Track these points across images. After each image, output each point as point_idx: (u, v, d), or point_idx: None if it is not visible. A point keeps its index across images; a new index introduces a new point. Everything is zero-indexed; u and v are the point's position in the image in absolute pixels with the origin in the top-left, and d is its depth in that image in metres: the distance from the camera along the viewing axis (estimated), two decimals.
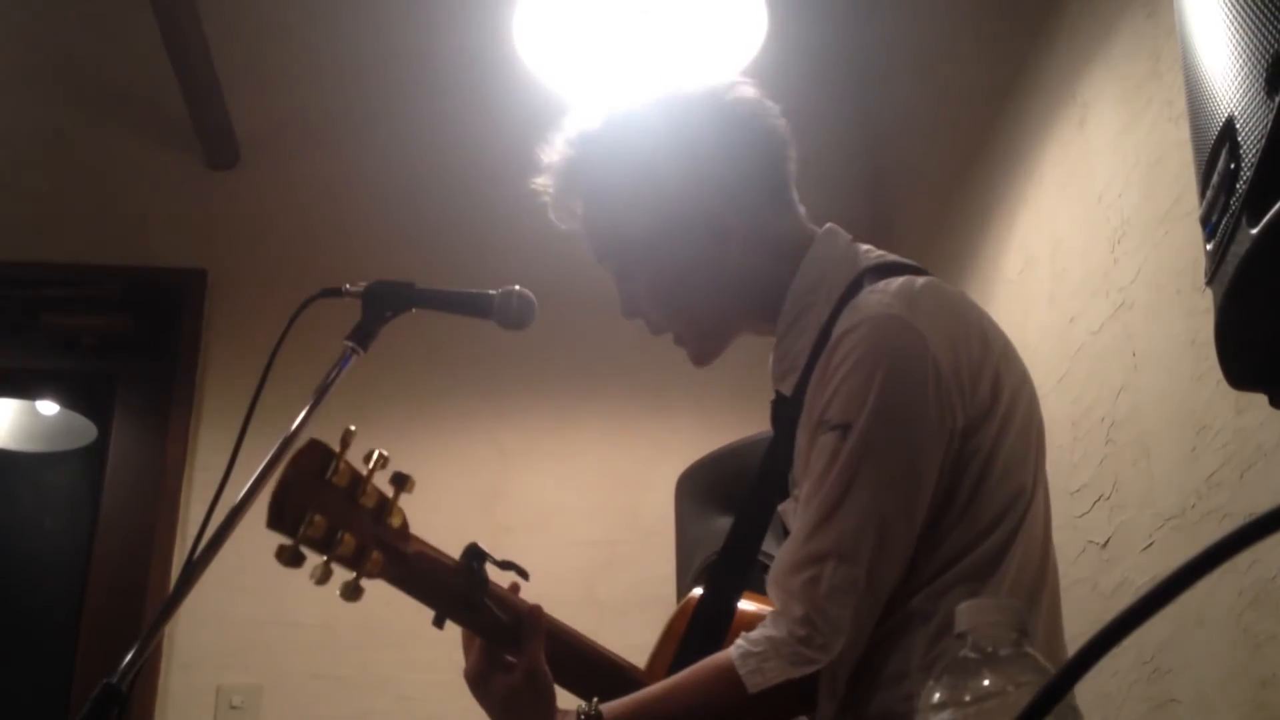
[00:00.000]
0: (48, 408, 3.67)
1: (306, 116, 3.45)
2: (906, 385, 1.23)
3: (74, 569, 3.15)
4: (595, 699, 1.26)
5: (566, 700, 1.30)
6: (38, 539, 3.74)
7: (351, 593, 1.17)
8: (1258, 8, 0.81)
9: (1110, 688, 1.87)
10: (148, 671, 2.79)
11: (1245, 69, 0.82)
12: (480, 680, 1.31)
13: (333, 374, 1.46)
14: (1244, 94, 0.82)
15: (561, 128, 1.48)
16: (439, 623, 1.30)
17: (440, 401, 3.17)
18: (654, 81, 1.52)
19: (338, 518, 1.15)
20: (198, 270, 3.24)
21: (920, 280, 1.31)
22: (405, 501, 1.35)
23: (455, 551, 1.32)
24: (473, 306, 1.62)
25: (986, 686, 0.68)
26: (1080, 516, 2.06)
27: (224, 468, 1.35)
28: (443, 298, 1.61)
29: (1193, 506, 1.71)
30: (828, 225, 1.46)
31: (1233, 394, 1.56)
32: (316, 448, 1.16)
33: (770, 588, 1.28)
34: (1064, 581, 2.09)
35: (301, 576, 1.17)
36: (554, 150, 1.48)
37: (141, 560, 2.94)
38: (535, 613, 1.31)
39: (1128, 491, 1.90)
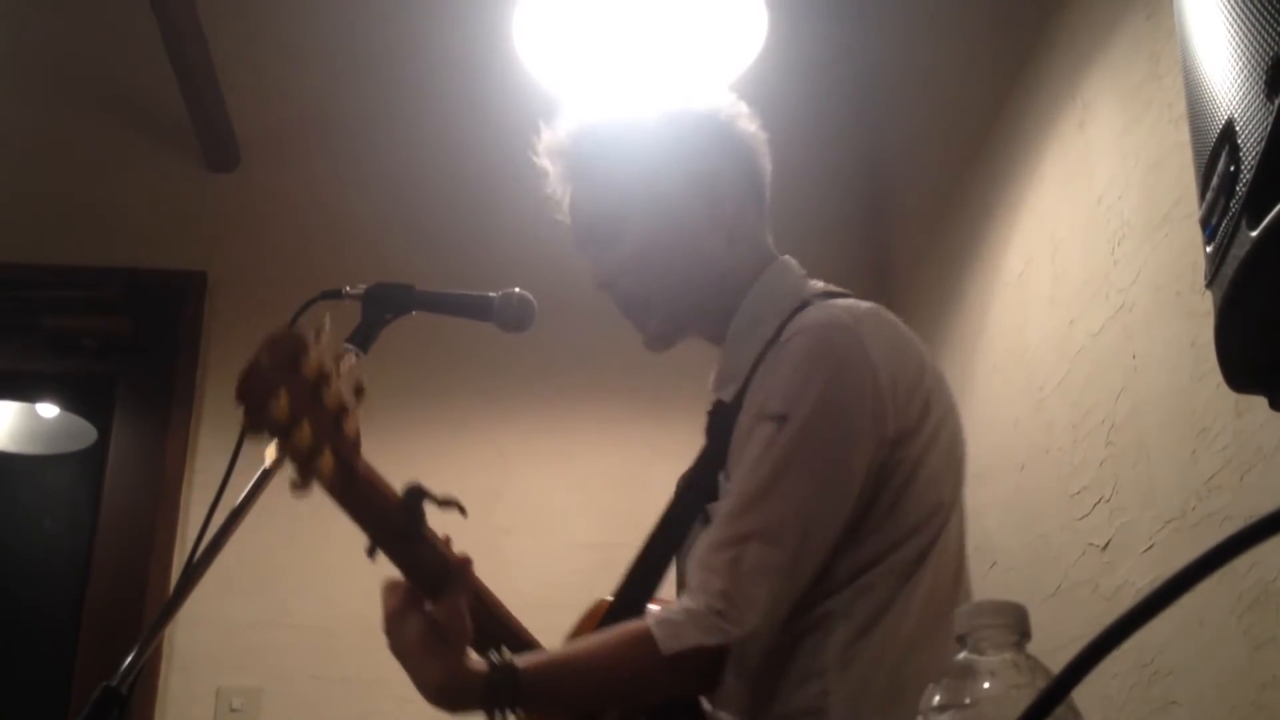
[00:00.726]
0: (48, 410, 3.67)
1: (307, 119, 3.45)
2: (846, 387, 1.31)
3: (74, 571, 3.15)
4: (505, 649, 1.25)
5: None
6: (38, 541, 3.74)
7: (300, 488, 1.14)
8: (1258, 9, 0.81)
9: (1110, 690, 1.87)
10: (147, 674, 2.78)
11: (1245, 71, 0.82)
12: (397, 619, 1.28)
13: None
14: (1244, 96, 0.82)
15: (565, 114, 1.55)
16: (371, 552, 1.26)
17: (439, 403, 3.17)
18: (652, 93, 1.60)
19: (300, 406, 1.13)
20: (198, 272, 3.24)
21: (865, 304, 1.40)
22: None
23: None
24: (473, 309, 1.63)
25: (986, 689, 0.68)
26: (1080, 519, 2.06)
27: (224, 469, 1.35)
28: (443, 300, 1.61)
29: (1193, 509, 1.71)
30: (785, 256, 1.54)
31: (1233, 396, 1.55)
32: (292, 336, 1.14)
33: (692, 567, 1.31)
34: (1064, 584, 2.11)
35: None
36: (559, 125, 1.55)
37: (141, 562, 2.93)
38: (464, 563, 1.29)
39: (1128, 494, 1.90)
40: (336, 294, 1.55)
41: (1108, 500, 1.97)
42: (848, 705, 1.26)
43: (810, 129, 3.46)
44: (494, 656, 1.23)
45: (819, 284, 1.50)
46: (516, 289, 1.65)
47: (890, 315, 1.41)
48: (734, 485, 1.33)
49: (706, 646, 1.23)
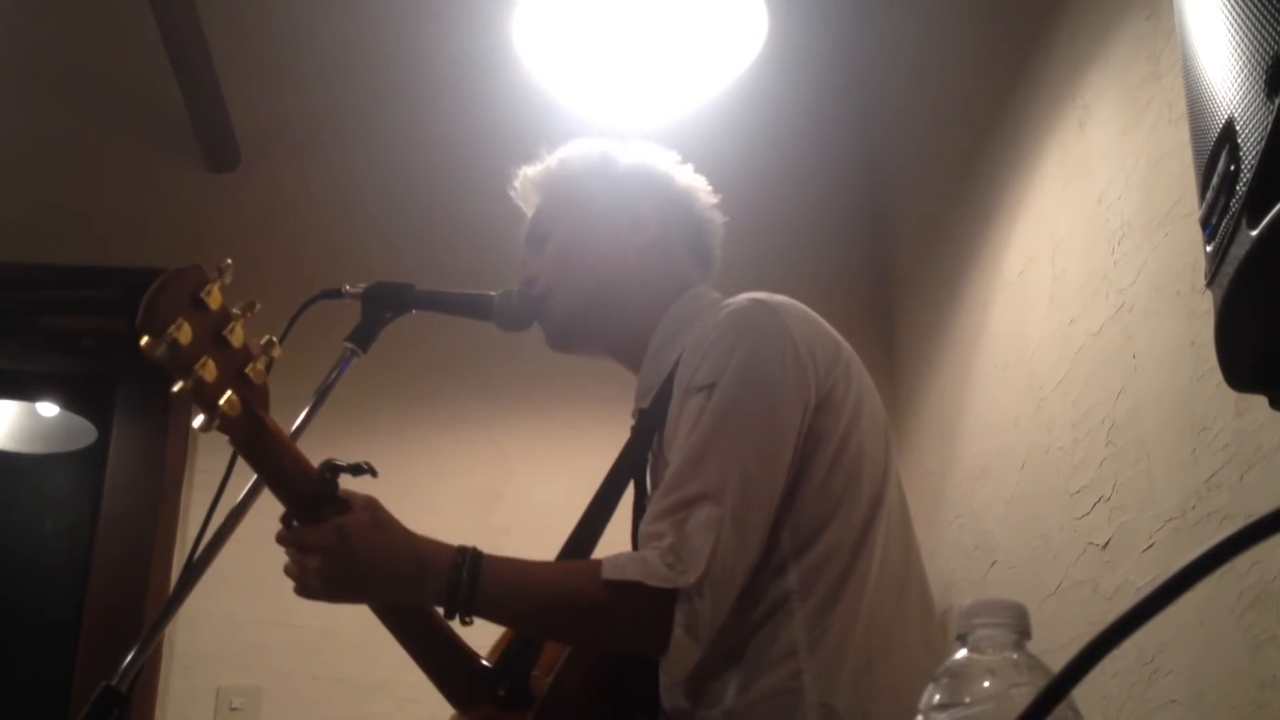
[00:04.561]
0: (48, 409, 3.67)
1: (307, 119, 3.45)
2: (767, 355, 1.40)
3: (74, 570, 3.15)
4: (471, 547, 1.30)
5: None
6: (38, 541, 3.74)
7: (205, 427, 1.13)
8: (1258, 8, 0.81)
9: (1111, 689, 1.87)
10: (147, 673, 2.78)
11: (1245, 70, 0.82)
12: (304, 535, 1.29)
13: (333, 375, 1.46)
14: (1244, 95, 0.82)
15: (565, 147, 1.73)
16: (287, 521, 1.28)
17: (439, 403, 3.17)
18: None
19: (204, 339, 1.11)
20: None
21: (780, 296, 1.50)
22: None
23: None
24: (472, 308, 1.63)
25: (986, 689, 0.68)
26: (1080, 518, 2.06)
27: (224, 469, 1.35)
28: (442, 299, 1.62)
29: (1193, 508, 1.71)
30: (704, 287, 1.65)
31: (1233, 396, 1.56)
32: (197, 270, 1.15)
33: (640, 541, 1.36)
34: (1064, 583, 2.11)
35: None
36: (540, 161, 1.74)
37: (141, 561, 2.93)
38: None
39: (1128, 493, 1.90)
40: (336, 293, 1.55)
41: (1108, 499, 1.97)
42: (821, 680, 1.31)
43: (810, 129, 3.46)
44: (460, 546, 1.29)
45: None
46: (516, 288, 1.65)
47: (806, 307, 1.51)
48: (673, 458, 1.39)
49: (646, 585, 1.28)
